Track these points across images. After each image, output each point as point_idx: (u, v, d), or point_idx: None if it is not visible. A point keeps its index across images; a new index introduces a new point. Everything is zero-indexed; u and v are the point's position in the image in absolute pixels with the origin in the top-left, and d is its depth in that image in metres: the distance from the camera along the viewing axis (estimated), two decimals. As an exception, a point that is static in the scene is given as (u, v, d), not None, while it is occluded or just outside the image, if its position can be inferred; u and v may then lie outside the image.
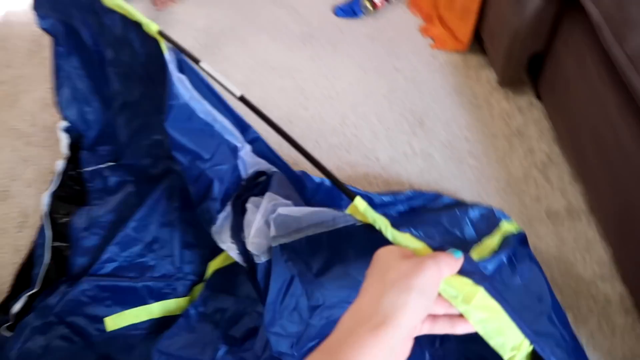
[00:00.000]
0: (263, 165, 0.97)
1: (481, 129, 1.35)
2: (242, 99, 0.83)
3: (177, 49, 0.90)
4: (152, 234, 1.06)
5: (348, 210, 0.66)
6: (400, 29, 1.66)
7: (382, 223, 0.57)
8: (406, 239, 0.53)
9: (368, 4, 1.67)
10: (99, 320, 0.95)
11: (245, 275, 0.93)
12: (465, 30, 1.50)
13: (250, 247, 0.84)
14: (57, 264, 1.07)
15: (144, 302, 0.99)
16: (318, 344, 0.41)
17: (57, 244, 1.10)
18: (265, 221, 0.83)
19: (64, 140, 1.25)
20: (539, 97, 1.37)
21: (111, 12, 0.95)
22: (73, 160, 1.25)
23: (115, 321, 0.95)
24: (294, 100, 1.47)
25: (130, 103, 1.15)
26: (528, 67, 1.33)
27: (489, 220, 1.09)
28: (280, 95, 1.48)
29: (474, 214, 1.09)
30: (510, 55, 1.30)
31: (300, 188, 1.09)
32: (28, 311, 0.99)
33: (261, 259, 0.83)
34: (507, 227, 1.07)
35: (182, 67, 0.95)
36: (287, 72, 1.55)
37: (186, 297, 1.01)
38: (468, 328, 0.47)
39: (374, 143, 1.34)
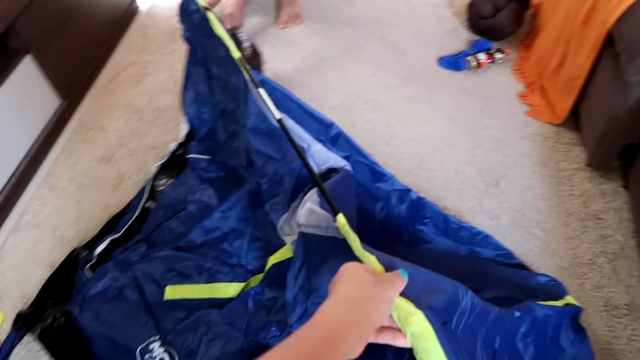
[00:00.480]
0: (339, 162, 1.09)
1: (557, 204, 1.33)
2: (279, 122, 1.01)
3: (248, 74, 1.09)
4: (231, 226, 1.20)
5: (336, 224, 0.76)
6: (499, 90, 1.68)
7: (352, 241, 0.66)
8: (368, 258, 0.62)
9: (473, 61, 1.72)
10: (161, 286, 1.08)
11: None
12: (564, 105, 1.50)
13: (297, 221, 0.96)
14: (142, 220, 1.26)
15: (204, 282, 1.10)
16: None
17: (148, 203, 1.31)
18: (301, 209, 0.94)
19: (184, 130, 1.45)
20: (626, 186, 1.33)
21: (218, 37, 1.15)
22: (183, 146, 1.44)
23: (173, 292, 1.07)
24: (378, 133, 1.54)
25: (227, 112, 1.33)
26: (621, 155, 1.30)
27: (555, 289, 1.09)
28: (367, 126, 1.56)
29: (541, 279, 1.10)
30: (604, 140, 1.28)
31: (368, 187, 1.23)
32: (107, 256, 1.16)
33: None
34: (571, 300, 1.05)
35: (262, 84, 1.12)
36: (379, 107, 1.63)
37: (240, 284, 1.10)
38: (406, 342, 0.56)
39: (444, 191, 1.37)
